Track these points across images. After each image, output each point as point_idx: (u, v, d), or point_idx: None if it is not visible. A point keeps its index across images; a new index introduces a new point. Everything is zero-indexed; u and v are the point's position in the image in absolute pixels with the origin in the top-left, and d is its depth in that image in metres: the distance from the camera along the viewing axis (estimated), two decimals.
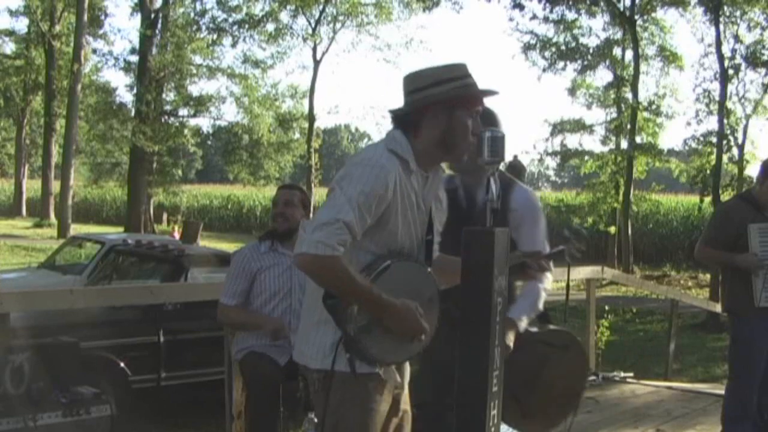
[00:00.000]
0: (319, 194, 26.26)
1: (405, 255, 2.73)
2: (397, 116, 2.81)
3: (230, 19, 27.44)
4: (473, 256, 2.53)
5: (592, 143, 30.27)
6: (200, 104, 27.81)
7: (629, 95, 23.49)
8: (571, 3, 23.25)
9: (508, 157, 4.94)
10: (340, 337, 2.63)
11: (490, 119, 3.13)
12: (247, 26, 27.34)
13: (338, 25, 28.53)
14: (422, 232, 2.82)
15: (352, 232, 2.53)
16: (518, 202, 3.50)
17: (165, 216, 33.87)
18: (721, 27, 19.33)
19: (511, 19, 26.95)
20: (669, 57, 23.87)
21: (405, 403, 2.96)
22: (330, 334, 2.67)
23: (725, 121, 19.04)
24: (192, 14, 27.65)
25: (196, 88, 32.37)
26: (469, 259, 2.54)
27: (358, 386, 2.69)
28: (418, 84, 2.76)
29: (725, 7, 19.34)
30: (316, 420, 4.16)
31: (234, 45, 27.85)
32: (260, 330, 4.48)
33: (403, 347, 2.72)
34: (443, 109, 2.72)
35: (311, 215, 4.55)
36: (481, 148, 2.61)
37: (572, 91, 25.27)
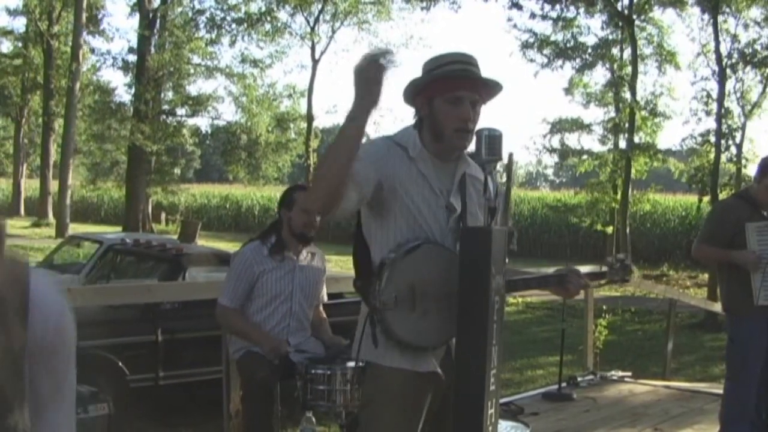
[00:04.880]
0: None
1: (433, 241, 2.76)
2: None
3: (228, 18, 27.43)
4: (470, 255, 2.53)
5: (590, 142, 30.27)
6: (198, 104, 27.81)
7: (627, 94, 23.47)
8: (568, 2, 23.26)
9: None
10: (366, 314, 2.69)
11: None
12: (245, 25, 27.31)
13: (337, 24, 28.52)
14: (446, 218, 2.82)
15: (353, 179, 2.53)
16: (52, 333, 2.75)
17: (163, 215, 33.85)
18: (719, 26, 19.37)
19: (509, 19, 26.86)
20: (666, 56, 23.86)
21: None
22: (361, 326, 2.74)
23: (723, 120, 19.07)
24: (190, 13, 27.63)
25: (194, 88, 32.32)
26: (466, 257, 2.54)
27: (386, 379, 2.72)
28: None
29: (723, 6, 19.36)
30: (314, 419, 4.18)
31: (232, 44, 27.87)
32: (256, 344, 4.48)
33: (431, 330, 2.73)
34: (424, 98, 2.78)
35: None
36: (478, 147, 2.62)
37: (569, 90, 25.22)
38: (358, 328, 2.83)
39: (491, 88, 2.82)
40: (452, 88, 2.75)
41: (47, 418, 1.61)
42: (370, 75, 2.44)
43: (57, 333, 1.59)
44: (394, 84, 2.86)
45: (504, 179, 2.93)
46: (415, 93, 2.79)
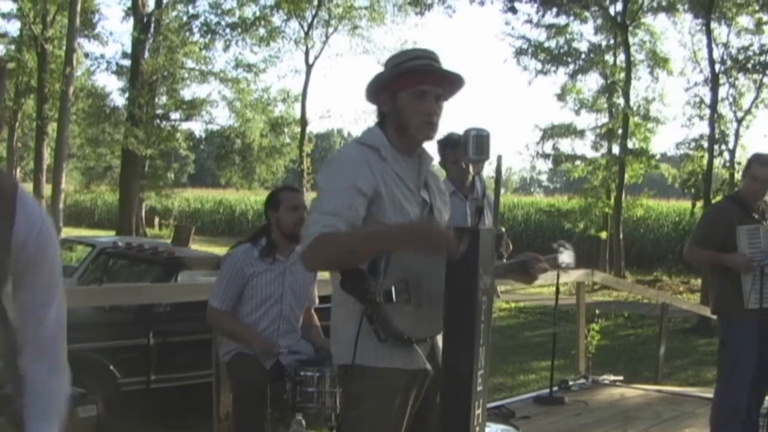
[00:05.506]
0: (311, 198, 26.27)
1: None
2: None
3: (223, 23, 27.43)
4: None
5: (583, 148, 30.22)
6: (192, 108, 27.79)
7: (620, 100, 23.54)
8: (562, 8, 23.31)
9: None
10: (360, 316, 2.64)
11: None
12: (239, 29, 27.31)
13: (331, 29, 28.52)
14: (420, 213, 2.84)
15: (336, 213, 2.60)
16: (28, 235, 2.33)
17: (157, 220, 33.81)
18: (711, 32, 19.46)
19: (507, 23, 26.88)
20: (659, 62, 23.94)
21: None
22: (353, 328, 2.67)
23: (716, 125, 19.13)
24: (185, 18, 27.62)
25: (188, 92, 32.26)
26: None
27: (378, 379, 2.70)
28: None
29: (716, 11, 19.45)
30: (303, 422, 4.17)
31: (226, 49, 27.85)
32: (248, 345, 4.47)
33: (425, 322, 2.72)
34: (387, 93, 2.80)
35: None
36: (466, 147, 2.62)
37: (561, 96, 25.23)
38: (340, 330, 2.79)
39: (454, 83, 2.85)
40: (416, 82, 2.77)
41: (36, 336, 1.91)
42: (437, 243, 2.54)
43: (40, 239, 1.88)
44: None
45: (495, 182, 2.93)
46: (378, 89, 2.82)
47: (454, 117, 3.59)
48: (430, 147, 2.94)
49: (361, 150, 2.77)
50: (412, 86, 2.77)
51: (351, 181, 2.65)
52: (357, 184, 2.64)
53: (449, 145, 4.86)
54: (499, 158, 2.73)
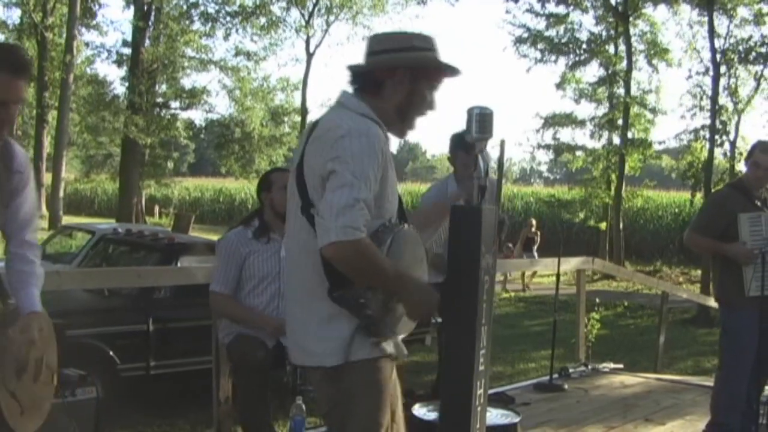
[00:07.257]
0: None
1: (395, 221, 2.66)
2: (356, 74, 2.73)
3: (223, 11, 27.39)
4: (460, 234, 2.51)
5: (583, 138, 30.07)
6: (192, 96, 27.76)
7: (621, 90, 23.49)
8: None
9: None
10: (356, 325, 2.55)
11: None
12: (239, 18, 27.27)
13: (332, 18, 28.47)
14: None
15: (369, 208, 2.46)
16: (24, 163, 2.90)
17: (157, 208, 33.82)
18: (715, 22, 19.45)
19: (507, 12, 26.77)
20: (659, 53, 23.88)
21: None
22: (346, 327, 2.58)
23: (717, 116, 19.12)
24: (185, 6, 27.58)
25: (188, 81, 32.22)
26: (455, 236, 2.52)
27: (373, 370, 2.64)
28: (387, 45, 2.69)
29: (717, 3, 19.43)
30: (303, 406, 4.16)
31: (227, 37, 27.83)
32: (258, 328, 4.45)
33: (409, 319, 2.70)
34: (408, 75, 2.66)
35: None
36: (469, 125, 2.59)
37: (560, 85, 25.11)
38: (327, 328, 2.62)
39: None
40: (439, 75, 2.72)
41: (23, 237, 2.88)
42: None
43: (28, 170, 2.87)
44: None
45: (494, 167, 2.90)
46: (397, 65, 2.67)
47: (455, 107, 3.54)
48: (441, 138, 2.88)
49: (373, 125, 2.60)
50: (435, 79, 2.70)
51: (376, 160, 2.51)
52: (378, 163, 2.52)
53: (462, 147, 4.72)
54: (503, 143, 2.70)
